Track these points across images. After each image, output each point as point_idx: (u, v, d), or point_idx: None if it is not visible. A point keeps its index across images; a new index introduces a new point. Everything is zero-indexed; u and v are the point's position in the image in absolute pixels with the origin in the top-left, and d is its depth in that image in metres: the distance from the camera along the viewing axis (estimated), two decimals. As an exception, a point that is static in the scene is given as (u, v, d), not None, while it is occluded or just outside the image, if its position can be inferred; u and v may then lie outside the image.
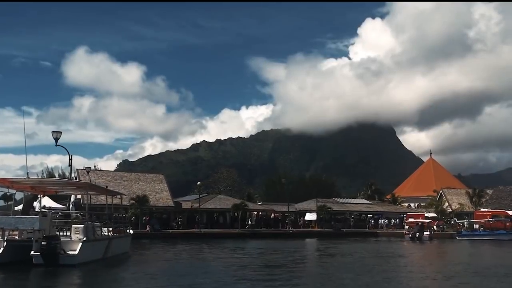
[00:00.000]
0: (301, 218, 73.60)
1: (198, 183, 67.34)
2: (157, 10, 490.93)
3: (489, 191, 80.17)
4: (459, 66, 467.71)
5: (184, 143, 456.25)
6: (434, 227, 65.99)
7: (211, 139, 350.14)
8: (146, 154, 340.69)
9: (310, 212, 72.27)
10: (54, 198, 47.41)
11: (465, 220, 65.14)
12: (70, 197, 54.68)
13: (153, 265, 28.71)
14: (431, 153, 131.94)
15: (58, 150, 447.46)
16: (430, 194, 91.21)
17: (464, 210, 78.19)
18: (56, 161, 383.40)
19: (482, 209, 66.85)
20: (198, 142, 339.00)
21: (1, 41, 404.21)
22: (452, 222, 73.90)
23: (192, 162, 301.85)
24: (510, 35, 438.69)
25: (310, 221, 72.49)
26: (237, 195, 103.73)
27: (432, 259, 36.39)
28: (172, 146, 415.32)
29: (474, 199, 77.25)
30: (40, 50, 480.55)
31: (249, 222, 66.70)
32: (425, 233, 57.57)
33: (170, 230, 57.83)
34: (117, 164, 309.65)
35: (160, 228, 57.21)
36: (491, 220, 58.79)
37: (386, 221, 72.81)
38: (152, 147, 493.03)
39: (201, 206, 64.07)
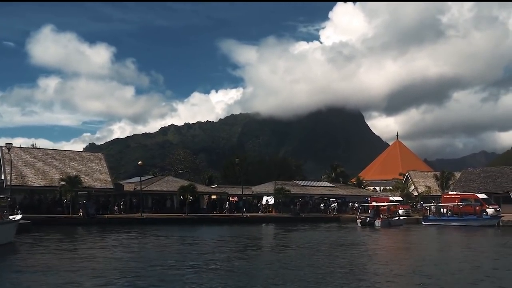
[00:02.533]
0: (260, 202, 67.27)
1: (139, 162, 59.92)
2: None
3: (457, 174, 74.86)
4: (430, 51, 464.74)
5: (154, 126, 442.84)
6: (400, 211, 60.29)
7: (181, 122, 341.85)
8: (114, 137, 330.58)
9: (267, 196, 65.80)
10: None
11: (432, 204, 59.33)
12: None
13: (27, 261, 21.73)
14: (397, 136, 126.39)
15: (23, 133, 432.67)
16: (396, 178, 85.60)
17: (431, 194, 72.87)
18: (22, 143, 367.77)
19: (450, 192, 61.14)
20: (167, 125, 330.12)
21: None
22: (418, 206, 68.47)
23: (160, 146, 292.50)
24: (483, 21, 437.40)
25: (269, 205, 66.16)
26: (197, 178, 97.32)
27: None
28: (141, 129, 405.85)
29: (441, 182, 71.87)
30: (2, 30, 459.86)
31: (204, 207, 60.47)
32: (381, 218, 51.39)
33: (106, 215, 50.67)
34: (83, 148, 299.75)
35: (95, 212, 50.11)
36: (460, 204, 52.93)
37: (336, 204, 66.37)
38: (121, 130, 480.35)
39: (145, 189, 57.04)
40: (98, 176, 54.84)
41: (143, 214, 52.44)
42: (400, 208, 61.74)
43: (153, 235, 37.17)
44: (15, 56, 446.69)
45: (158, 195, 58.75)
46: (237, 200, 64.87)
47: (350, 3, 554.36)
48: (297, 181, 73.90)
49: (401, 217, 56.76)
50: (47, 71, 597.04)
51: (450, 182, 71.36)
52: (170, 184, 59.42)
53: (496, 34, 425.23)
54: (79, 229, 42.93)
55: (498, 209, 53.86)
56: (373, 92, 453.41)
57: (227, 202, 62.44)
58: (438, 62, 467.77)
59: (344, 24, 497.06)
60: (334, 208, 65.34)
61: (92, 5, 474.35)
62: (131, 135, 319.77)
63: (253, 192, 68.74)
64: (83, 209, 49.30)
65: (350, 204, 68.96)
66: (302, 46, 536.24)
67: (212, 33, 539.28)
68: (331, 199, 67.85)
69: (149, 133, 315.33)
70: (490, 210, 52.91)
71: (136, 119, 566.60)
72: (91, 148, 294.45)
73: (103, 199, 55.14)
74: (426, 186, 76.02)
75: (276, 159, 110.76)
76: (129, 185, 60.01)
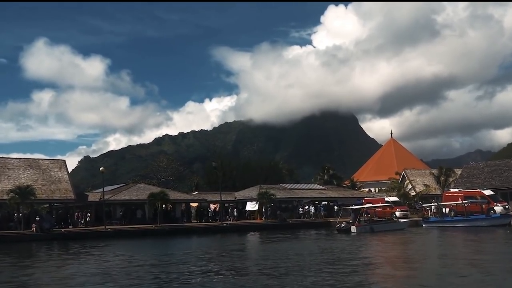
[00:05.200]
0: (244, 209, 60.20)
1: (101, 168, 52.78)
2: (111, 2, 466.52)
3: (458, 171, 67.77)
4: (424, 51, 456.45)
5: (149, 136, 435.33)
6: (397, 213, 53.04)
7: (175, 132, 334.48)
8: (110, 149, 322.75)
9: (251, 201, 58.66)
10: None
11: (432, 204, 52.16)
12: None
13: None
14: (391, 134, 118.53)
15: (18, 148, 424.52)
16: (392, 177, 78.24)
17: (430, 193, 65.76)
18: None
19: (452, 190, 54.00)
20: (161, 136, 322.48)
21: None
22: (417, 206, 61.38)
23: (155, 157, 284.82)
24: (478, 20, 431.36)
25: (253, 211, 59.05)
26: (183, 185, 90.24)
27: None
28: (137, 140, 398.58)
29: (441, 179, 64.71)
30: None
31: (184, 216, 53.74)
32: (358, 223, 42.89)
33: (63, 230, 43.50)
34: (78, 161, 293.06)
35: (51, 227, 42.98)
36: (465, 202, 45.78)
37: (313, 208, 58.90)
38: (116, 142, 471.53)
39: (112, 198, 49.98)
40: (57, 185, 47.62)
41: (108, 227, 45.41)
42: (397, 209, 54.56)
43: (100, 252, 30.22)
44: (8, 72, 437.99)
45: (126, 205, 51.55)
46: (217, 207, 57.90)
47: (341, 6, 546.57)
48: (284, 185, 66.68)
49: (402, 220, 49.01)
50: (41, 85, 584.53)
51: (451, 179, 64.21)
52: (141, 192, 52.20)
53: (491, 32, 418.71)
54: (24, 247, 35.99)
55: (507, 206, 46.71)
56: (367, 94, 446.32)
57: (235, 209, 57.71)
58: (432, 62, 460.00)
59: (337, 28, 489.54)
60: (308, 211, 58.21)
61: (80, 18, 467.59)
62: (126, 146, 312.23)
63: (235, 197, 61.60)
64: (36, 224, 42.24)
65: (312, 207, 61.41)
66: (296, 51, 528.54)
67: (204, 41, 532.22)
68: (303, 202, 60.56)
69: (144, 144, 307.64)
70: (498, 208, 45.73)
71: (131, 130, 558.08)
72: (86, 161, 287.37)
73: (60, 211, 48.00)
74: (424, 184, 68.92)
75: (262, 162, 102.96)
76: (94, 194, 52.85)
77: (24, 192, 41.92)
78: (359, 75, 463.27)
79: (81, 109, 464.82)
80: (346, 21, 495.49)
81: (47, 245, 36.55)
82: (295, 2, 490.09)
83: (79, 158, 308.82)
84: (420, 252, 26.92)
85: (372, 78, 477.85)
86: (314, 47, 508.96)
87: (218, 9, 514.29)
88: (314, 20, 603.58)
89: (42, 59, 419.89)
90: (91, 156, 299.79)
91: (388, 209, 53.07)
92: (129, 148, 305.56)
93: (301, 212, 58.46)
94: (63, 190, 47.40)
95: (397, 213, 52.73)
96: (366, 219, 45.68)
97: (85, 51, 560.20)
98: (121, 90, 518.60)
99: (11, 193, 41.95)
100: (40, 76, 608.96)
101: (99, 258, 26.90)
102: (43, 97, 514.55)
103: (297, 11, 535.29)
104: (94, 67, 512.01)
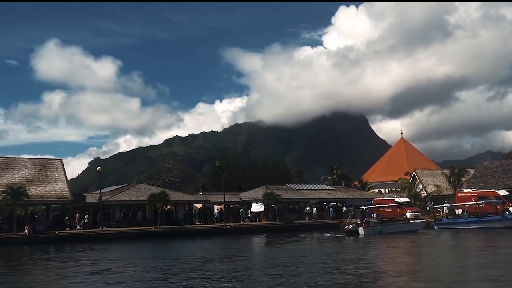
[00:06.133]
0: (249, 210, 57.94)
1: (98, 168, 50.77)
2: (121, 4, 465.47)
3: (469, 171, 64.98)
4: (436, 52, 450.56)
5: (160, 138, 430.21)
6: (407, 214, 50.45)
7: (185, 134, 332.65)
8: (120, 150, 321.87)
9: (256, 202, 56.39)
10: None
11: (445, 205, 49.50)
12: None
13: None
14: (402, 134, 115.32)
15: (29, 150, 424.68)
16: (402, 177, 75.28)
17: (442, 194, 62.97)
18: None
19: (465, 190, 51.29)
20: (171, 137, 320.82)
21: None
22: (428, 207, 58.66)
23: (165, 158, 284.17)
24: (490, 20, 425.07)
25: (259, 213, 56.79)
26: (189, 187, 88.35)
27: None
28: (147, 141, 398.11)
29: (452, 179, 61.88)
30: (4, 49, 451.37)
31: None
32: (369, 222, 40.97)
33: (57, 232, 41.48)
34: (88, 163, 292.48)
35: (44, 229, 41.00)
36: (479, 203, 43.11)
37: (315, 209, 56.79)
38: (127, 144, 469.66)
39: (111, 199, 47.98)
40: (53, 186, 45.59)
41: (106, 229, 43.41)
42: (408, 210, 51.92)
43: (92, 256, 28.16)
44: (19, 73, 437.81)
45: (126, 206, 49.51)
46: (222, 208, 55.70)
47: (353, 7, 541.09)
48: (291, 185, 64.32)
49: (418, 221, 46.42)
50: (52, 86, 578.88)
51: (463, 180, 61.41)
52: (141, 193, 50.09)
53: (503, 33, 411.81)
54: (8, 251, 34.06)
55: (523, 207, 44.00)
56: (377, 95, 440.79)
57: (249, 210, 56.24)
58: (444, 62, 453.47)
59: (348, 28, 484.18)
60: (310, 213, 55.97)
61: (91, 20, 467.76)
62: (136, 148, 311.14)
63: (241, 198, 59.39)
64: (29, 226, 40.33)
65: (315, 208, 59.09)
66: (307, 51, 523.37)
67: (214, 43, 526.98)
68: (309, 203, 58.25)
69: (154, 146, 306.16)
70: (514, 209, 43.08)
71: (142, 131, 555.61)
72: (96, 162, 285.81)
73: (56, 212, 46.05)
74: (435, 185, 66.02)
75: (269, 162, 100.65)
76: (93, 195, 50.84)
77: (16, 193, 39.99)
78: (370, 76, 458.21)
79: (92, 111, 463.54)
80: (358, 21, 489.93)
81: (33, 249, 34.53)
82: (305, 2, 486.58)
83: (89, 160, 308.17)
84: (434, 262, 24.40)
85: (383, 79, 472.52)
86: (325, 48, 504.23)
87: (228, 10, 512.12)
88: (325, 21, 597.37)
89: (53, 60, 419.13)
90: (101, 158, 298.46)
91: (398, 210, 50.51)
92: (139, 150, 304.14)
93: (307, 213, 56.16)
94: (59, 190, 45.36)
95: (408, 214, 50.14)
96: (376, 220, 43.26)
97: (96, 53, 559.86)
98: (132, 91, 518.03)
99: (3, 194, 40.08)
100: (51, 78, 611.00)
101: (79, 264, 24.79)
102: (54, 99, 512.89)
103: (308, 12, 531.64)
104: (105, 69, 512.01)
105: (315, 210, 56.31)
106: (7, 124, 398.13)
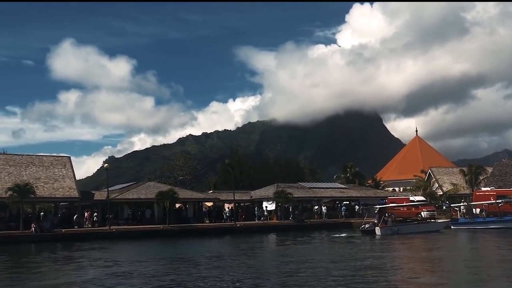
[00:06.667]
0: (261, 209, 56.73)
1: (105, 165, 49.92)
2: (135, 4, 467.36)
3: (488, 169, 63.01)
4: (452, 49, 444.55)
5: (174, 136, 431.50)
6: (422, 213, 48.79)
7: (199, 132, 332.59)
8: (135, 149, 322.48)
9: (267, 201, 55.16)
10: None
11: (462, 204, 47.82)
12: None
13: None
14: (416, 131, 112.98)
15: (45, 149, 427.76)
16: (418, 176, 73.45)
17: (459, 192, 61.26)
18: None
19: (483, 189, 49.55)
20: (185, 136, 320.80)
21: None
22: (444, 207, 56.91)
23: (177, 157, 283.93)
24: (508, 17, 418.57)
25: (270, 211, 55.57)
26: (201, 185, 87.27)
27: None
28: (162, 140, 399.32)
29: (469, 178, 59.97)
30: (20, 49, 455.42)
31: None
32: (387, 222, 39.56)
33: (64, 230, 40.61)
34: (103, 161, 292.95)
35: (51, 227, 40.20)
36: (499, 202, 41.42)
37: (324, 208, 55.40)
38: (141, 142, 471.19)
39: (120, 197, 47.07)
40: (61, 183, 44.79)
41: (114, 227, 42.54)
42: (423, 209, 50.22)
43: (88, 257, 27.15)
44: (35, 73, 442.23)
45: (135, 204, 48.56)
46: (233, 206, 54.55)
47: (367, 5, 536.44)
48: (303, 183, 62.97)
49: (439, 221, 44.88)
50: (68, 86, 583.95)
51: (481, 178, 59.52)
52: (150, 190, 49.06)
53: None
54: (13, 249, 33.21)
55: (544, 206, 42.24)
56: (392, 93, 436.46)
57: (262, 208, 55.22)
58: (460, 60, 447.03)
59: (362, 26, 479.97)
60: (319, 212, 54.71)
61: (105, 20, 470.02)
62: (150, 146, 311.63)
63: (251, 197, 58.20)
64: (36, 224, 39.55)
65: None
66: (321, 50, 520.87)
67: (227, 42, 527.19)
68: (318, 202, 56.87)
69: (168, 144, 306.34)
70: (534, 208, 41.35)
71: (156, 130, 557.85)
72: (110, 161, 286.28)
73: (64, 210, 45.24)
74: (451, 183, 64.32)
75: (281, 161, 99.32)
76: (101, 193, 49.94)
77: (23, 190, 39.19)
78: (385, 74, 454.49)
79: (107, 110, 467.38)
80: (372, 19, 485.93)
81: (38, 247, 33.73)
82: (319, 1, 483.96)
83: (104, 158, 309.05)
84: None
85: (398, 77, 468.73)
86: (339, 46, 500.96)
87: (241, 9, 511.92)
88: (339, 19, 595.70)
89: (68, 60, 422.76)
90: (116, 157, 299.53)
91: (413, 209, 48.88)
92: (153, 149, 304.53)
93: (315, 212, 54.93)
94: (67, 188, 44.55)
95: (423, 214, 48.49)
96: (393, 220, 41.85)
97: (111, 52, 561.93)
98: (146, 90, 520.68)
99: (9, 191, 39.30)
100: (67, 77, 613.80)
101: (77, 264, 23.78)
102: (70, 98, 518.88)
103: (321, 11, 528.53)
104: (120, 68, 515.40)
105: (325, 209, 54.88)
106: (24, 123, 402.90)
